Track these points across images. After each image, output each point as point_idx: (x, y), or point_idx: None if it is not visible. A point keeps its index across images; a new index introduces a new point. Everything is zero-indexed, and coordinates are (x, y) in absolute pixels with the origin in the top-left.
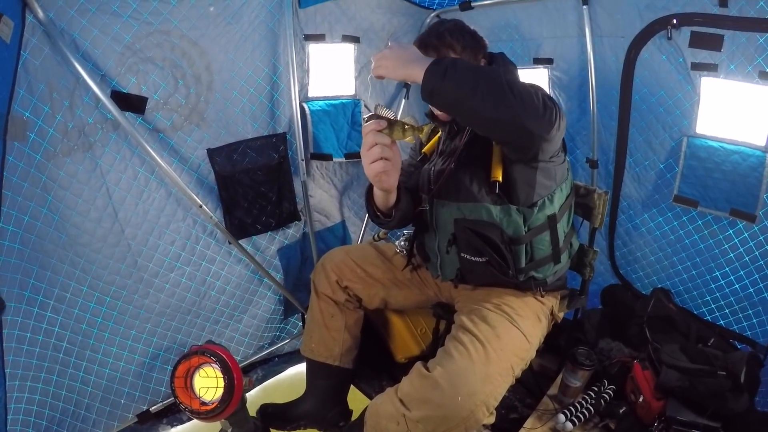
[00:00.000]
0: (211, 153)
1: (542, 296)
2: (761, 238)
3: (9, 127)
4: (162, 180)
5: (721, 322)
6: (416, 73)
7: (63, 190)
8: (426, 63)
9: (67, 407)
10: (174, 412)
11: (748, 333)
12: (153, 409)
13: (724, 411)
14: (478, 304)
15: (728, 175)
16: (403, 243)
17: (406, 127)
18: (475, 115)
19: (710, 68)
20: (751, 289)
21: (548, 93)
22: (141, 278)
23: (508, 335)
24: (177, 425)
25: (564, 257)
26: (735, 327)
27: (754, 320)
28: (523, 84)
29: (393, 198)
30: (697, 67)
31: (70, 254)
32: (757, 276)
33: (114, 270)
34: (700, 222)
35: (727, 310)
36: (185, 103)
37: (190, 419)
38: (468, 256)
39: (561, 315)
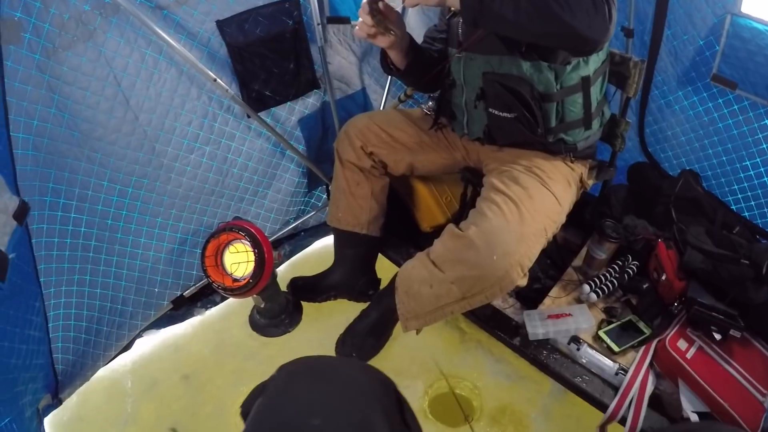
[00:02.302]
0: (221, 24)
1: (572, 161)
2: None
3: (2, 31)
4: (171, 59)
5: (746, 214)
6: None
7: (68, 86)
8: None
9: (104, 304)
10: (207, 295)
11: None
12: (186, 293)
13: (743, 299)
14: (507, 165)
15: None
16: (430, 104)
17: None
18: (524, 33)
19: None
20: None
21: None
22: (161, 164)
23: (540, 196)
24: (211, 307)
25: (595, 124)
26: (759, 221)
27: None
28: None
29: (397, 56)
30: None
31: (85, 150)
32: None
33: (132, 159)
34: (736, 106)
35: (753, 203)
36: None
37: (223, 300)
38: (496, 112)
39: (590, 183)
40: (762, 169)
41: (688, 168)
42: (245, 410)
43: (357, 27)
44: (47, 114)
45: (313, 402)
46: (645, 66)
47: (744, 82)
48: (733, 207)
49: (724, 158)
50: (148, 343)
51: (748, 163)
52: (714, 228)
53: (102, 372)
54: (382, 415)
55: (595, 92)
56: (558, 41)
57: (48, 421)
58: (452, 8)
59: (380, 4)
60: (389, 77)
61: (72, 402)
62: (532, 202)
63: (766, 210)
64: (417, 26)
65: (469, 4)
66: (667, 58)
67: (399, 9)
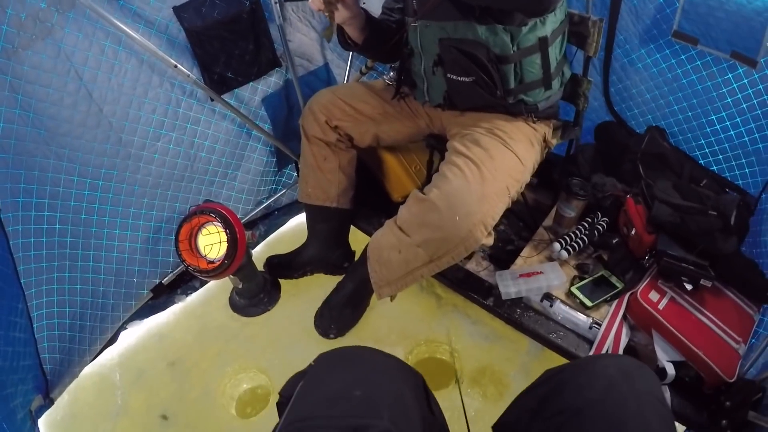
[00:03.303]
0: (178, 10)
1: (534, 122)
2: (761, 86)
3: None
4: (131, 49)
5: (714, 168)
6: None
7: (31, 85)
8: None
9: (85, 299)
10: (186, 281)
11: (740, 182)
12: (165, 280)
13: (712, 250)
14: (469, 129)
15: (731, 15)
16: (392, 74)
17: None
18: None
19: None
20: (746, 138)
21: None
22: (129, 154)
23: (501, 157)
24: (191, 293)
25: (555, 84)
26: (727, 174)
27: (747, 170)
28: None
29: (354, 32)
30: None
31: (53, 147)
32: (753, 125)
33: (100, 152)
34: (699, 62)
35: (720, 156)
36: None
37: (203, 285)
38: (454, 77)
39: (554, 142)
40: (728, 123)
41: (654, 125)
42: (286, 395)
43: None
44: (12, 115)
45: (354, 378)
46: (603, 24)
47: (705, 38)
48: (701, 161)
49: (689, 113)
50: (133, 334)
51: (713, 117)
52: (681, 182)
53: (90, 368)
54: (414, 394)
55: (553, 52)
56: (511, 3)
57: (42, 422)
58: None
59: None
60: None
61: (64, 401)
62: (493, 162)
63: (734, 163)
64: None
65: None
66: (628, 16)
67: None
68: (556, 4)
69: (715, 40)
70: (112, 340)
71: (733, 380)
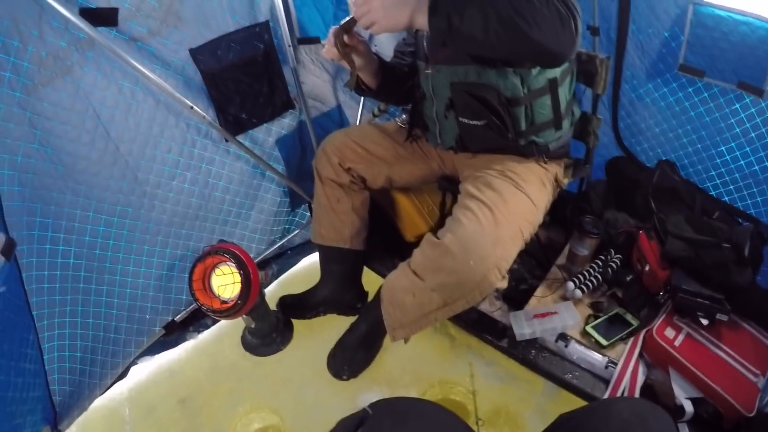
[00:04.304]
0: (194, 53)
1: (545, 162)
2: None
3: None
4: (148, 89)
5: (726, 198)
6: (419, 20)
7: (50, 121)
8: (423, 4)
9: (97, 334)
10: (199, 319)
11: (753, 211)
12: (177, 318)
13: (728, 283)
14: (481, 171)
15: (736, 46)
16: (404, 117)
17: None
18: (493, 52)
19: None
20: (757, 167)
21: None
22: (144, 192)
23: (514, 199)
24: (203, 330)
25: (566, 124)
26: (739, 204)
27: (759, 198)
28: None
29: (367, 77)
30: None
31: (70, 183)
32: (762, 154)
33: (116, 189)
34: (706, 94)
35: (731, 187)
36: (159, 6)
37: (215, 323)
38: (466, 120)
39: (566, 182)
40: (737, 153)
41: (664, 158)
42: None
43: (324, 50)
44: (30, 149)
45: None
46: (611, 62)
47: (711, 70)
48: (713, 192)
49: (699, 146)
50: (144, 369)
51: (723, 148)
52: (693, 215)
53: (99, 401)
54: None
55: (563, 93)
56: (526, 58)
57: None
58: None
59: (345, 38)
60: None
61: None
62: (506, 206)
63: (745, 193)
64: (387, 41)
65: (438, 27)
66: (635, 52)
67: (366, 36)
68: (569, 57)
69: (721, 72)
70: (123, 375)
71: (752, 414)
